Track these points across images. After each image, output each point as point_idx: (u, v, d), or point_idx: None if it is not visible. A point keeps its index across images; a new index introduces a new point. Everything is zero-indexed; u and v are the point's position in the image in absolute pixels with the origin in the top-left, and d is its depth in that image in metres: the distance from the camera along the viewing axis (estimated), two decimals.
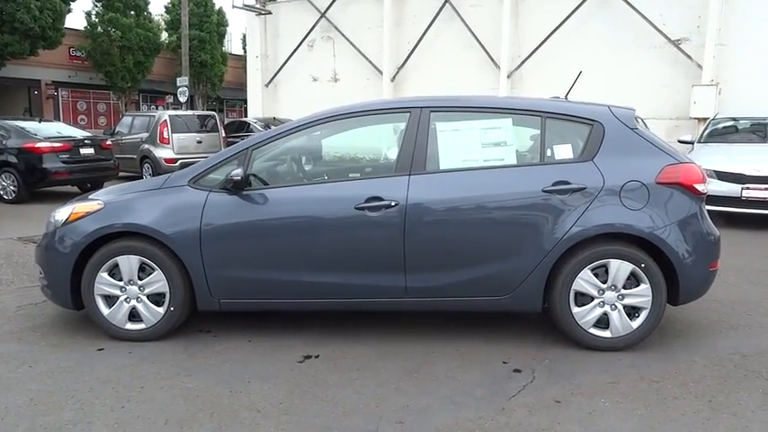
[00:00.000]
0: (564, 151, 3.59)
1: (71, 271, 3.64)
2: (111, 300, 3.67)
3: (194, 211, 3.58)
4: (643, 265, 3.45)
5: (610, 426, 2.69)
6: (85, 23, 34.54)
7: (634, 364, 3.38)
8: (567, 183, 3.46)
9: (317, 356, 3.48)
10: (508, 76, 14.87)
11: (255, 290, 3.62)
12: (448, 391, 3.05)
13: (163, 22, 38.15)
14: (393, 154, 3.68)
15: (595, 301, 3.52)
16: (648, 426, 2.69)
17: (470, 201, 3.50)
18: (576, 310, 3.52)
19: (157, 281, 3.62)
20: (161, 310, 3.65)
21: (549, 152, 3.60)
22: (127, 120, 14.45)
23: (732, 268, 5.41)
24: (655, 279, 3.46)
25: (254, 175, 3.61)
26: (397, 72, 16.46)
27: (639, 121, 3.93)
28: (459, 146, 3.64)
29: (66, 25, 32.85)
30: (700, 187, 3.56)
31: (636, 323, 3.52)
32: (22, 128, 10.41)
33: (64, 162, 10.17)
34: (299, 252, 3.56)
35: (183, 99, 20.63)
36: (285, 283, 3.59)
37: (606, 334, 3.54)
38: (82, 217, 3.67)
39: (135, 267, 3.62)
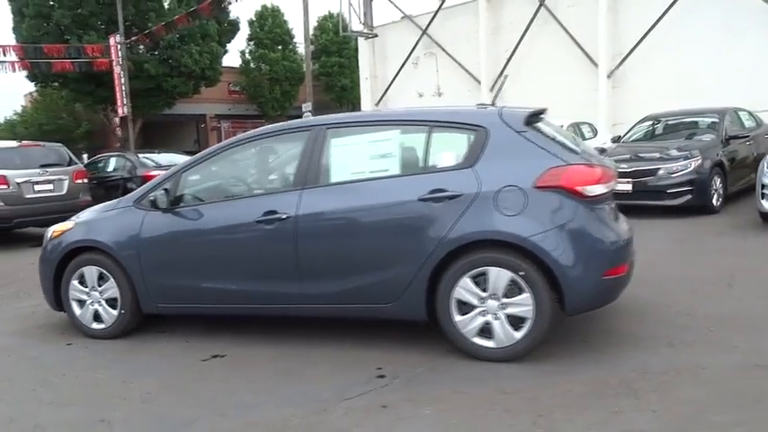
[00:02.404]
0: (446, 159, 3.59)
1: (53, 278, 4.43)
2: (81, 303, 4.39)
3: (135, 228, 4.17)
4: (522, 273, 3.32)
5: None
6: (240, 61, 38.57)
7: (506, 375, 3.28)
8: (442, 190, 3.47)
9: (223, 356, 3.86)
10: (608, 76, 13.98)
11: (183, 296, 4.11)
12: (298, 390, 3.24)
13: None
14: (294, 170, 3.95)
15: (477, 310, 3.45)
16: None
17: (353, 211, 3.66)
18: (458, 318, 3.49)
19: (111, 288, 4.26)
20: (115, 312, 4.28)
21: (431, 161, 3.62)
22: None
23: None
24: (536, 287, 3.31)
25: (179, 196, 4.10)
26: (496, 82, 16.26)
27: (541, 122, 3.76)
28: (349, 159, 3.82)
29: (224, 64, 37.04)
30: (588, 190, 3.34)
31: (519, 334, 3.39)
32: (142, 159, 12.24)
33: None
34: (213, 262, 3.98)
35: None
36: (205, 290, 4.02)
37: (491, 344, 3.45)
38: (60, 234, 4.45)
39: (95, 276, 4.31)
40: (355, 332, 4.00)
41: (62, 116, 34.78)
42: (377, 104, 19.58)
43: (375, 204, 3.62)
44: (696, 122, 9.95)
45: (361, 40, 19.88)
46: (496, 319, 3.42)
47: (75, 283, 4.37)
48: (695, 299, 4.50)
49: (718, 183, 8.61)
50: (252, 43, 38.06)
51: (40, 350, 4.20)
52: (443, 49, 17.50)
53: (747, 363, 3.27)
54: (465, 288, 3.45)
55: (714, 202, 8.49)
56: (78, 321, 4.41)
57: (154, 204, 4.02)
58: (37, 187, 9.49)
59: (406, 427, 2.77)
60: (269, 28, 37.06)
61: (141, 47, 32.23)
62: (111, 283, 4.25)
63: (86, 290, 4.35)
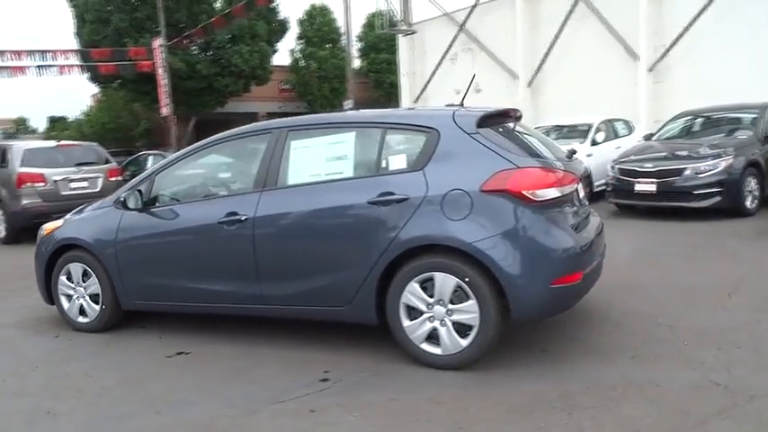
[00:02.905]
0: (398, 162, 3.55)
1: (44, 274, 4.66)
2: (69, 298, 4.60)
3: (113, 227, 4.32)
4: (467, 279, 3.24)
5: None
6: (290, 59, 39.21)
7: (447, 383, 3.22)
8: (391, 194, 3.43)
9: (188, 353, 3.95)
10: (649, 70, 13.39)
11: (156, 294, 4.24)
12: (240, 391, 3.29)
13: (355, 50, 41.42)
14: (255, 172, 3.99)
15: (425, 316, 3.40)
16: None
17: (306, 214, 3.67)
18: (406, 323, 3.44)
19: (94, 284, 4.44)
20: (97, 307, 4.46)
21: (384, 163, 3.58)
22: None
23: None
24: (481, 294, 3.23)
25: (153, 198, 4.22)
26: (534, 76, 15.88)
27: (502, 123, 3.65)
28: (307, 161, 3.82)
29: (275, 63, 37.77)
30: (537, 194, 3.22)
31: (465, 341, 3.31)
32: None
33: None
34: (182, 262, 4.09)
35: None
36: (176, 288, 4.13)
37: (438, 351, 3.39)
38: (50, 232, 4.67)
39: (79, 273, 4.50)
40: (315, 333, 4.01)
41: (122, 115, 36.40)
42: (415, 102, 19.49)
43: (326, 207, 3.61)
44: (735, 119, 9.41)
45: (399, 37, 19.84)
46: (443, 325, 3.36)
47: (63, 278, 4.58)
48: (684, 309, 4.27)
49: (752, 184, 8.11)
50: (301, 41, 38.59)
51: (28, 341, 4.42)
52: (481, 45, 17.22)
53: (705, 381, 3.08)
54: (413, 293, 3.40)
55: (748, 204, 8.01)
56: (66, 315, 4.61)
57: (124, 205, 4.15)
58: (73, 185, 9.98)
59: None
60: (318, 26, 37.50)
61: (195, 48, 33.27)
62: (94, 279, 4.43)
63: (73, 285, 4.55)
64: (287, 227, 3.72)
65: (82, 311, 4.55)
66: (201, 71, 31.83)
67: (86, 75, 28.54)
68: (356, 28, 41.99)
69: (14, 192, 9.53)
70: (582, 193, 3.94)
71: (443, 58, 18.35)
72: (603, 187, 9.34)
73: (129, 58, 20.58)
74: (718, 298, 4.45)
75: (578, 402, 2.92)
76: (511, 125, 3.96)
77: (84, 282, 4.50)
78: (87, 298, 4.50)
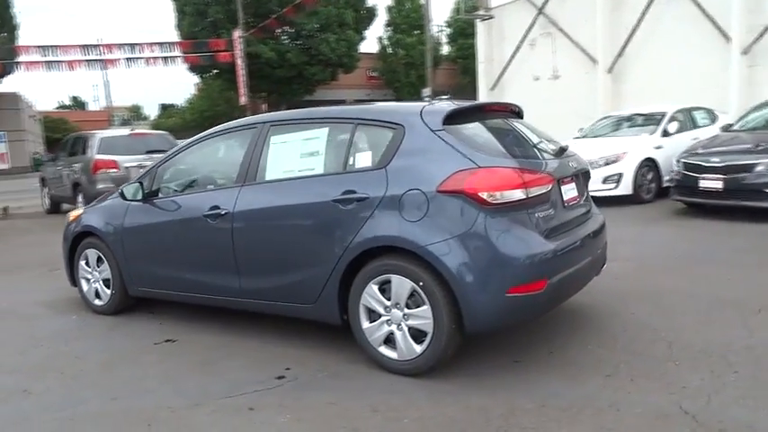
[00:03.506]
0: (364, 159, 3.44)
1: (68, 258, 5.01)
2: (87, 281, 4.91)
3: (120, 217, 4.56)
4: (421, 284, 3.11)
5: None
6: (378, 47, 39.44)
7: (396, 390, 3.11)
8: (353, 192, 3.35)
9: (174, 341, 4.10)
10: (743, 53, 12.11)
11: (154, 282, 4.42)
12: (198, 382, 3.36)
13: (444, 36, 40.89)
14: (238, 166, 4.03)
15: (382, 319, 3.30)
16: None
17: (277, 210, 3.67)
18: (366, 325, 3.36)
19: (106, 269, 4.71)
20: (109, 292, 4.73)
21: (352, 160, 3.49)
22: None
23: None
24: (434, 300, 3.08)
25: (154, 190, 4.38)
26: (615, 62, 14.88)
27: (475, 119, 3.44)
28: (283, 157, 3.80)
29: (363, 51, 38.16)
30: (497, 196, 3.00)
31: (420, 348, 3.18)
32: None
33: None
34: (172, 253, 4.24)
35: None
36: (171, 278, 4.29)
37: (394, 355, 3.28)
38: (74, 219, 5.00)
39: (95, 258, 4.79)
40: (297, 329, 4.01)
41: (219, 103, 38.33)
42: (492, 89, 18.94)
43: (294, 204, 3.59)
44: None
45: (477, 23, 19.29)
46: (400, 329, 3.24)
47: (82, 263, 4.90)
48: (697, 324, 3.86)
49: None
50: (389, 28, 38.63)
51: (47, 320, 4.78)
52: (560, 29, 16.38)
53: (675, 409, 2.76)
54: (371, 295, 3.31)
55: None
56: (85, 297, 4.94)
57: (122, 196, 4.35)
58: (143, 171, 10.63)
59: (243, 429, 2.76)
60: (406, 12, 37.35)
61: (285, 37, 34.23)
62: (106, 265, 4.70)
63: (90, 270, 4.86)
64: (260, 222, 3.74)
65: (97, 295, 4.84)
66: (291, 60, 32.77)
67: (186, 66, 30.27)
68: (445, 13, 41.35)
69: (91, 177, 10.32)
70: (574, 193, 3.64)
71: (521, 43, 17.63)
72: (669, 183, 8.63)
73: (211, 50, 21.60)
74: (744, 313, 3.97)
75: (520, 422, 2.71)
76: (498, 120, 3.73)
77: (98, 267, 4.78)
78: (101, 282, 4.79)
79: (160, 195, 4.39)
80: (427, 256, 3.06)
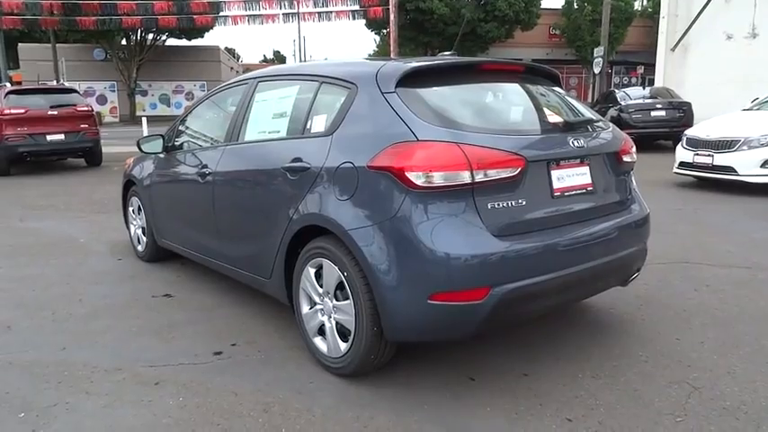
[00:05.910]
0: (319, 123, 2.98)
1: (123, 202, 5.28)
2: (134, 227, 5.15)
3: (150, 169, 4.65)
4: (346, 274, 2.64)
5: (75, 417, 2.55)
6: (563, 2, 36.61)
7: (315, 389, 2.72)
8: (299, 160, 2.93)
9: (171, 297, 4.10)
10: None
11: (168, 235, 4.47)
12: (148, 344, 3.28)
13: None
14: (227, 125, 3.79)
15: (317, 307, 2.90)
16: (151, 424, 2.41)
17: (242, 174, 3.43)
18: (305, 311, 2.99)
19: (142, 218, 4.89)
20: (145, 239, 4.91)
21: (310, 123, 3.05)
22: None
23: None
24: (355, 294, 2.60)
25: (173, 145, 4.36)
26: None
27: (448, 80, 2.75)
28: (261, 117, 3.49)
29: (545, 6, 35.75)
30: (428, 176, 2.38)
31: (344, 347, 2.73)
32: None
33: None
34: (177, 208, 4.24)
35: (596, 70, 20.04)
36: (175, 233, 4.35)
37: (325, 349, 2.87)
38: (127, 166, 5.24)
39: (136, 206, 4.98)
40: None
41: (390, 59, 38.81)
42: (672, 49, 16.38)
43: (254, 169, 3.28)
44: None
45: None
46: (330, 322, 2.82)
47: (130, 210, 5.14)
48: (728, 338, 2.83)
49: None
50: None
51: (95, 259, 5.11)
52: None
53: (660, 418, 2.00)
54: (308, 279, 2.92)
55: None
56: (132, 242, 5.20)
57: (139, 147, 4.38)
58: None
59: (120, 406, 2.59)
60: None
61: None
62: (142, 215, 4.86)
63: (134, 217, 5.08)
64: (230, 186, 3.52)
65: (139, 241, 5.06)
66: (465, 16, 31.80)
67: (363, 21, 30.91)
68: None
69: None
70: (583, 180, 2.82)
71: None
72: None
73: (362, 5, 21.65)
74: None
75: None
76: (499, 84, 3.01)
77: (138, 214, 4.98)
78: (140, 231, 4.98)
79: (176, 150, 4.36)
80: (349, 243, 2.57)
